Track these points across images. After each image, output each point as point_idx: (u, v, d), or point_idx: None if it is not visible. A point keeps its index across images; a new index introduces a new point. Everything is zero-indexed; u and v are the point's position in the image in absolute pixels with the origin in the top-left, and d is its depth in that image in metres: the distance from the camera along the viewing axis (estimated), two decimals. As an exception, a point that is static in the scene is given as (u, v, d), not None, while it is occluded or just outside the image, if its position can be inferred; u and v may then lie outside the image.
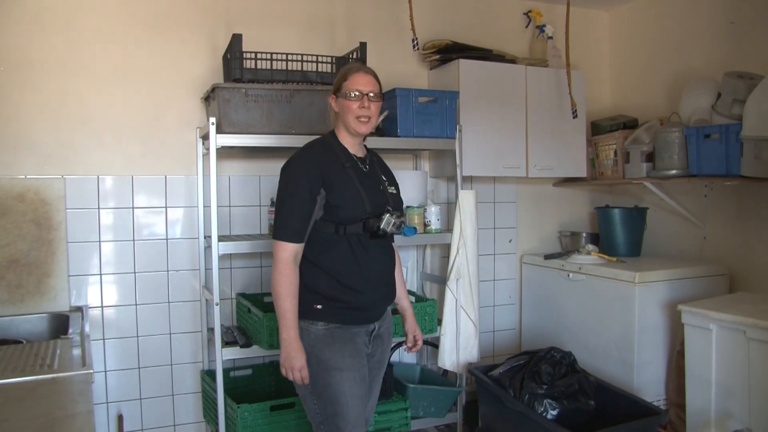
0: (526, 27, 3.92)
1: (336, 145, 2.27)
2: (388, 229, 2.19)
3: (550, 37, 3.80)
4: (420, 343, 2.52)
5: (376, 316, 2.29)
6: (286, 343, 2.14)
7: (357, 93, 2.18)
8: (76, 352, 2.16)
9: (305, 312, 2.18)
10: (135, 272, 3.09)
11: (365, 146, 2.39)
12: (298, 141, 2.67)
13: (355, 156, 2.28)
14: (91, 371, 1.91)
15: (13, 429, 1.48)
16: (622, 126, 3.71)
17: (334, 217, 2.17)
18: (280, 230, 2.16)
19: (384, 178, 2.34)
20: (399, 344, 3.26)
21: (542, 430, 2.58)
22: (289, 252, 2.14)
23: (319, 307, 2.18)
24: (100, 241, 3.02)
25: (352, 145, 2.28)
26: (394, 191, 2.36)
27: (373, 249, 2.23)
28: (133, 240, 3.08)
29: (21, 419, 1.55)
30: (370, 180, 2.28)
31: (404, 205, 2.55)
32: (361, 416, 2.19)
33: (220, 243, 2.76)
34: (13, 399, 1.69)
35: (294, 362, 2.13)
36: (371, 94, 2.20)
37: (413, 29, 3.24)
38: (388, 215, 2.18)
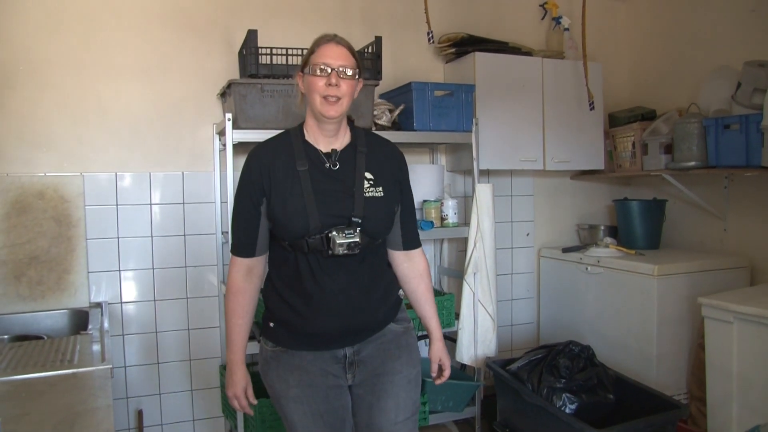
0: (542, 19, 3.88)
1: (297, 140, 1.88)
2: (335, 251, 1.77)
3: (567, 29, 3.76)
4: (447, 373, 2.11)
5: (342, 343, 1.91)
6: (227, 368, 1.94)
7: (324, 67, 1.81)
8: (96, 347, 2.18)
9: (263, 328, 1.97)
10: (153, 268, 3.11)
11: (357, 132, 1.96)
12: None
13: (322, 152, 1.87)
14: (110, 366, 1.92)
15: (34, 422, 1.50)
16: (640, 117, 3.67)
17: (278, 230, 1.84)
18: (231, 244, 1.96)
19: (370, 177, 1.88)
20: (421, 338, 3.25)
21: (561, 424, 2.57)
22: (237, 267, 1.91)
23: (271, 325, 1.93)
24: (118, 238, 3.05)
25: (320, 136, 1.88)
26: (380, 194, 1.88)
27: (333, 270, 1.83)
28: (151, 236, 3.10)
29: (42, 413, 1.57)
30: (335, 183, 1.84)
31: (398, 212, 1.99)
32: None
33: (237, 238, 2.77)
34: (35, 393, 1.72)
35: (228, 390, 1.93)
36: (342, 69, 1.81)
37: (428, 23, 3.23)
38: (334, 233, 1.77)
